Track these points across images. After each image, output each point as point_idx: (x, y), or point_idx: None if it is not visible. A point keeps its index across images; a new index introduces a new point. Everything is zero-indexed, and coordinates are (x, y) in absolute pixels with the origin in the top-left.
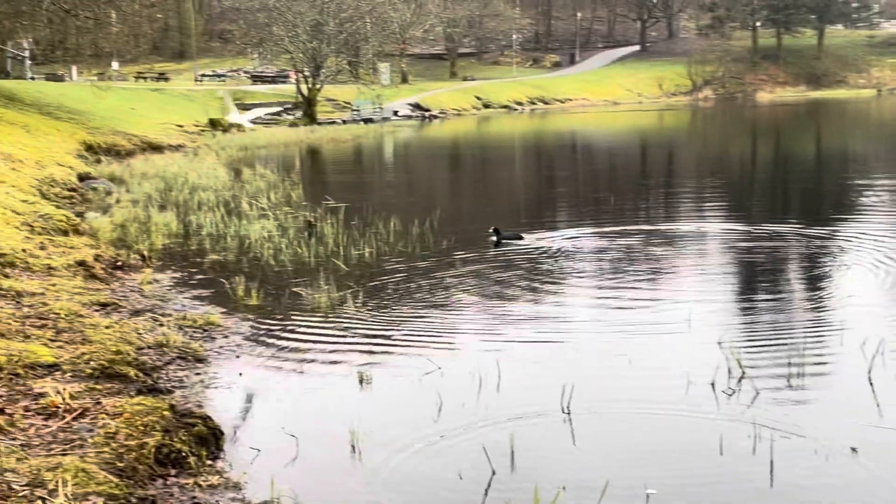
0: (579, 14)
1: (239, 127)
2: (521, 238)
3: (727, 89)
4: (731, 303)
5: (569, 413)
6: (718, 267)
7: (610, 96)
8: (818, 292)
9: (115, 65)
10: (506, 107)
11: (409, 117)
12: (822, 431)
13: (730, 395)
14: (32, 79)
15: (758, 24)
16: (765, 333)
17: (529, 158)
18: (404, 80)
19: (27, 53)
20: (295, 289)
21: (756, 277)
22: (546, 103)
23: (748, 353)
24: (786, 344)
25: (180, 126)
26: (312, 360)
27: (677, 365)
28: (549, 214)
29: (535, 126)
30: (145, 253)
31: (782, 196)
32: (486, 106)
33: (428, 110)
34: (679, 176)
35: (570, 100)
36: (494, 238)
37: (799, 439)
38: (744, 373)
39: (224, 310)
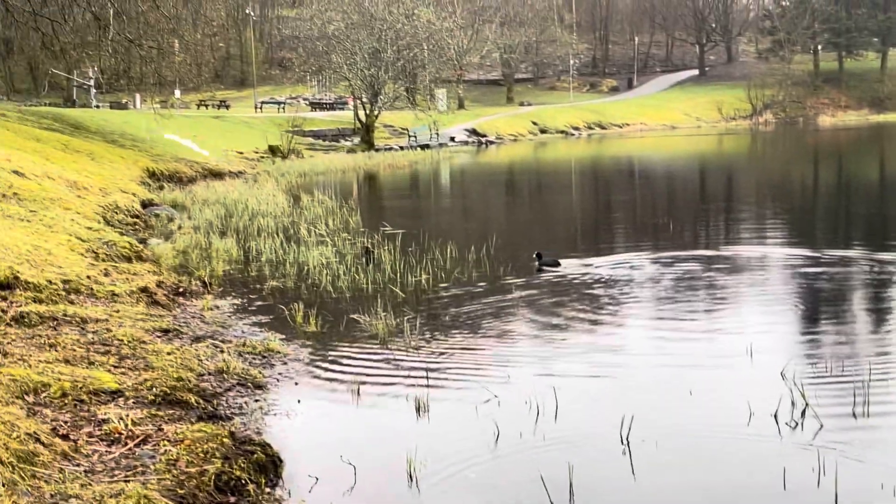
0: (637, 38)
1: (298, 153)
2: (558, 264)
3: (788, 113)
4: (793, 331)
5: (628, 444)
6: (780, 294)
7: (668, 121)
8: (884, 320)
9: (177, 93)
10: (562, 132)
11: (466, 143)
12: (888, 466)
13: (793, 428)
14: (97, 107)
15: (818, 47)
16: (829, 363)
17: (586, 183)
18: (461, 106)
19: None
20: (353, 315)
21: (819, 304)
22: (603, 128)
23: (812, 383)
24: (851, 374)
25: (240, 153)
26: (370, 388)
27: (739, 396)
28: (607, 240)
29: (593, 151)
30: (206, 279)
31: (846, 221)
32: (543, 131)
33: (484, 136)
34: (740, 201)
35: (628, 124)
36: (536, 263)
37: (864, 473)
38: (807, 404)
39: (283, 336)
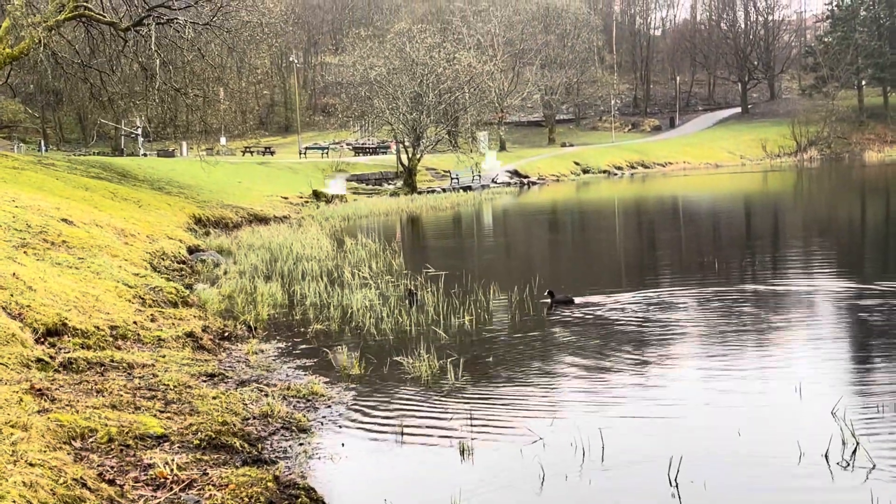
0: (678, 77)
1: (342, 198)
2: (571, 302)
3: (833, 149)
4: (844, 368)
5: (676, 486)
6: (830, 330)
7: (712, 159)
8: None
9: (223, 140)
10: (605, 171)
11: (508, 184)
12: None
13: (844, 468)
14: (145, 155)
15: (863, 82)
16: (881, 401)
17: (630, 222)
18: (502, 148)
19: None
20: (396, 358)
21: (870, 340)
22: (646, 167)
23: (863, 422)
24: None
25: (285, 198)
26: (413, 431)
27: (788, 435)
28: (652, 278)
29: (635, 190)
30: (251, 323)
31: (895, 255)
32: (585, 171)
33: (526, 177)
34: (787, 237)
35: (671, 163)
36: (549, 301)
37: None
38: (858, 443)
39: (327, 380)
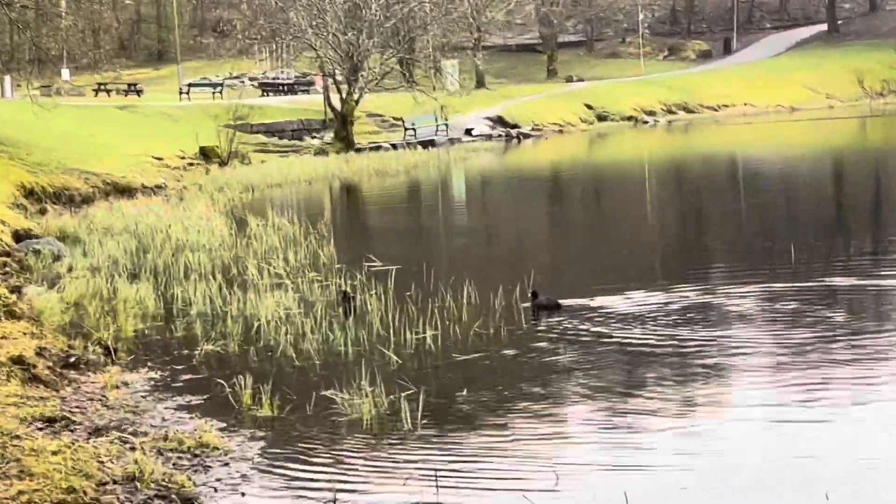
0: None
1: (243, 158)
2: (557, 308)
3: None
4: None
5: None
6: None
7: (785, 100)
8: None
9: (65, 73)
10: (630, 118)
11: (489, 137)
12: None
13: None
14: None
15: None
16: None
17: (666, 192)
18: (480, 84)
19: None
20: (325, 392)
21: None
22: (690, 112)
23: None
24: None
25: (159, 159)
26: (352, 498)
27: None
28: (697, 271)
29: (675, 146)
30: (110, 344)
31: None
32: (602, 118)
33: (515, 126)
34: (893, 213)
35: (725, 106)
36: (529, 304)
37: None
38: None
39: (223, 425)
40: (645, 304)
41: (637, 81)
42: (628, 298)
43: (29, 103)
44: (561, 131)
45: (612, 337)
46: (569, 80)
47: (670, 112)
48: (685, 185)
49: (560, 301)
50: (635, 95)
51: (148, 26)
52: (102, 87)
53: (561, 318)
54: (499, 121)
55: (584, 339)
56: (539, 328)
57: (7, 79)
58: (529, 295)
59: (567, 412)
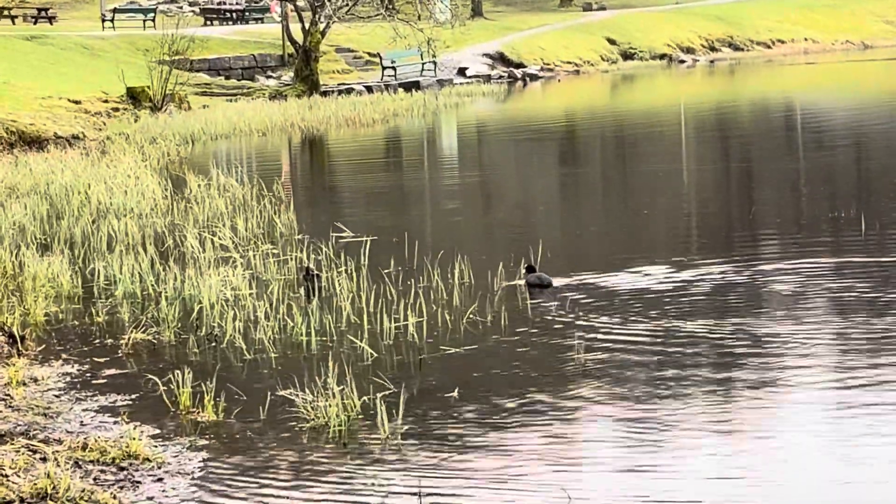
0: None
1: (182, 101)
2: (548, 286)
3: None
4: None
5: None
6: None
7: (855, 34)
8: None
9: None
10: (663, 57)
11: (488, 78)
12: None
13: None
14: None
15: None
16: None
17: (707, 150)
18: (477, 13)
19: None
20: (282, 392)
21: None
22: (737, 49)
23: None
24: None
25: (76, 102)
26: None
27: None
28: (744, 243)
29: (718, 90)
30: (15, 331)
31: None
32: (627, 56)
33: (520, 66)
34: None
35: (781, 42)
36: (522, 282)
37: None
38: None
39: (156, 432)
40: (677, 285)
41: (672, 11)
42: (656, 277)
43: None
44: (577, 72)
45: (635, 325)
46: (587, 8)
47: (712, 49)
48: (730, 139)
49: (555, 280)
50: (670, 28)
51: None
52: (6, 12)
53: (574, 303)
54: (500, 58)
55: (600, 328)
56: (547, 315)
57: None
58: (523, 270)
59: (578, 421)
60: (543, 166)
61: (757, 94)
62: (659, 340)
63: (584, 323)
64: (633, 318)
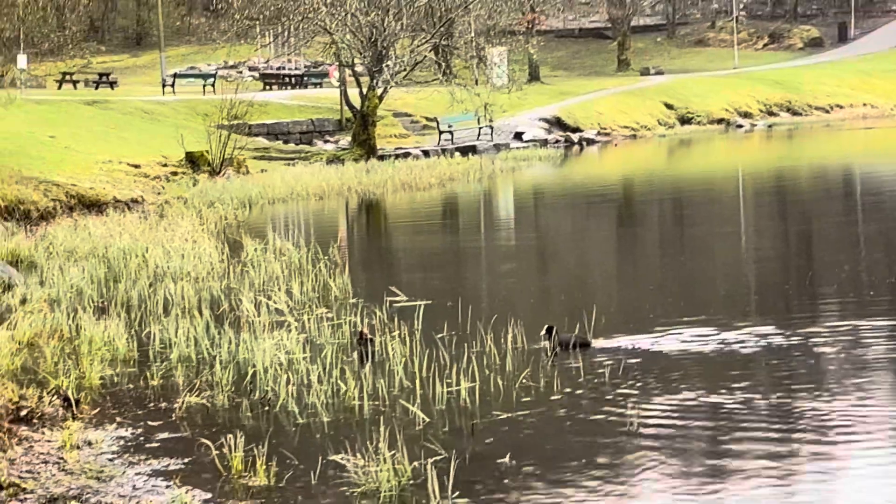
0: None
1: (240, 166)
2: (585, 346)
3: None
4: None
5: None
6: None
7: None
8: None
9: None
10: (720, 121)
11: (545, 143)
12: None
13: None
14: None
15: None
16: None
17: (766, 215)
18: (534, 78)
19: None
20: (334, 457)
21: None
22: (795, 113)
23: None
24: None
25: (136, 166)
26: None
27: None
28: (804, 309)
29: (777, 155)
30: (70, 394)
31: None
32: (685, 120)
33: (577, 130)
34: None
35: (840, 107)
36: (547, 344)
37: None
38: None
39: (208, 496)
40: (733, 349)
41: (729, 75)
42: (712, 340)
43: None
44: (634, 136)
45: (690, 390)
46: (644, 72)
47: (770, 114)
48: (789, 204)
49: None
50: (727, 93)
51: (125, 3)
52: (68, 77)
53: (628, 367)
54: (556, 123)
55: (654, 392)
56: (601, 379)
57: None
58: (545, 331)
59: (631, 488)
60: (600, 230)
61: (815, 159)
62: (714, 405)
63: (638, 387)
64: (688, 383)
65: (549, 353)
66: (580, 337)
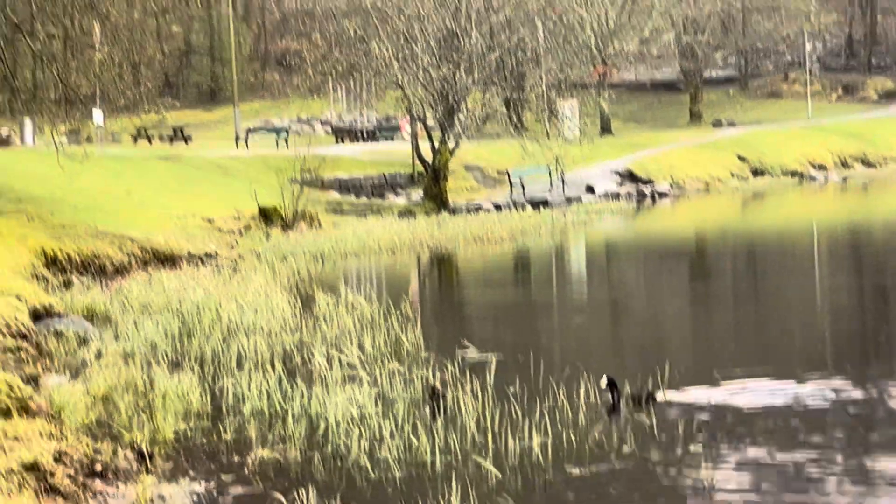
0: None
1: (313, 220)
2: (650, 401)
3: None
4: None
5: None
6: None
7: None
8: None
9: (98, 116)
10: (794, 174)
11: (616, 196)
12: None
13: None
14: None
15: None
16: None
17: (843, 269)
18: (606, 130)
19: None
20: None
21: None
22: (870, 166)
23: None
24: None
25: (210, 220)
26: None
27: None
28: (880, 360)
29: (853, 208)
30: (144, 448)
31: None
32: (758, 173)
33: (649, 182)
34: None
35: None
36: (609, 396)
37: None
38: None
39: None
40: (809, 404)
41: (803, 128)
42: (788, 395)
43: (54, 152)
44: (706, 189)
45: (766, 447)
46: (717, 125)
47: (845, 166)
48: (864, 257)
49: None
50: (801, 145)
51: (199, 59)
52: (143, 132)
53: (702, 422)
54: (629, 176)
55: (730, 449)
56: (673, 435)
57: (28, 123)
58: (605, 383)
59: None
60: (673, 283)
61: (891, 212)
62: (787, 463)
63: (711, 443)
64: (761, 438)
65: (609, 406)
66: (644, 390)
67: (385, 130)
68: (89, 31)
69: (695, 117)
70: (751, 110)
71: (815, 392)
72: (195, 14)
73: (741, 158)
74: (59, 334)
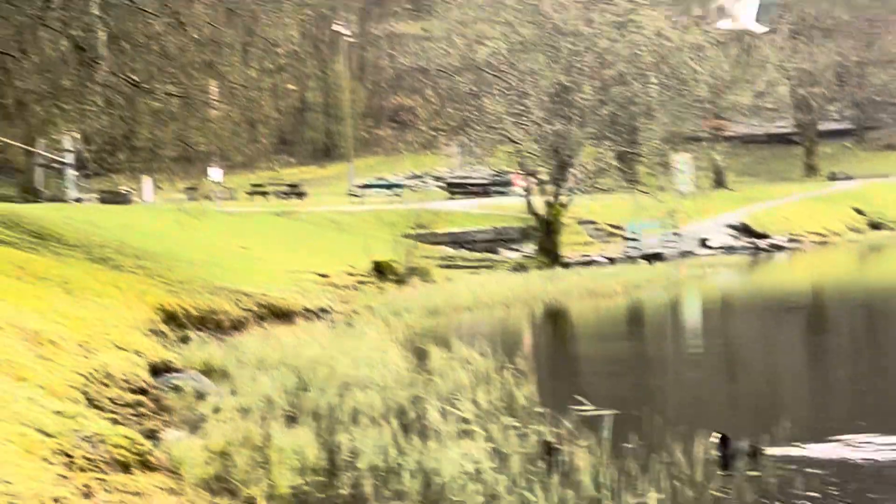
0: None
1: (426, 275)
2: (755, 453)
3: None
4: None
5: None
6: None
7: None
8: None
9: (215, 173)
10: None
11: (731, 249)
12: None
13: None
14: (79, 200)
15: None
16: None
17: None
18: (720, 184)
19: (70, 158)
20: None
21: None
22: None
23: None
24: None
25: (324, 276)
26: None
27: None
28: None
29: None
30: (261, 502)
31: None
32: (876, 226)
33: (764, 236)
34: None
35: None
36: (721, 452)
37: None
38: None
39: None
40: None
41: None
42: None
43: (172, 209)
44: (823, 242)
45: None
46: (832, 177)
47: None
48: None
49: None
50: None
51: (314, 116)
52: (258, 189)
53: (820, 478)
54: (743, 229)
55: None
56: (794, 492)
57: (147, 180)
58: (719, 440)
59: None
60: (789, 338)
61: None
62: None
63: (831, 499)
64: (884, 496)
65: (722, 463)
66: (757, 447)
67: (497, 185)
68: (207, 89)
69: (810, 170)
70: (866, 162)
71: None
72: (310, 72)
73: (858, 211)
74: (177, 389)
